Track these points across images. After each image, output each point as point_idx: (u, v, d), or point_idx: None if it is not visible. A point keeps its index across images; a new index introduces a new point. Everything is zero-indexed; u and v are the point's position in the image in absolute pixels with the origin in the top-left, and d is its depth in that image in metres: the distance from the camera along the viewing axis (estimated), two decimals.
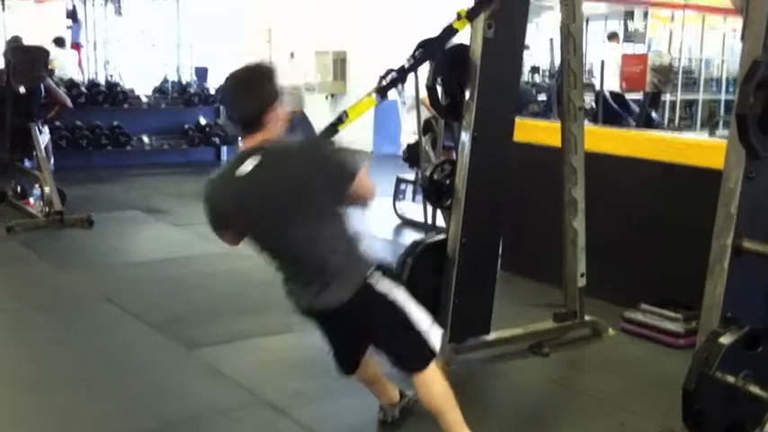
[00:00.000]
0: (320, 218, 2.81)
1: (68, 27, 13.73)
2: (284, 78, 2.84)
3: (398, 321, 2.93)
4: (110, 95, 10.90)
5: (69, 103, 8.46)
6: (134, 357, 4.30)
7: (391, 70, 3.53)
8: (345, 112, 3.06)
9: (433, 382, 2.96)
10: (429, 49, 3.70)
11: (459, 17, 3.58)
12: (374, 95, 3.35)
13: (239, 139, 2.88)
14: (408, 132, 7.82)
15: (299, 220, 2.78)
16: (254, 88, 2.80)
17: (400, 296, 2.94)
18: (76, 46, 13.49)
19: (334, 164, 2.83)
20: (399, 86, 3.65)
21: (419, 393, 3.02)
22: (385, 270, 2.97)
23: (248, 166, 2.73)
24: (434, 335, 2.97)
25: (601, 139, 5.23)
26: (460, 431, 2.97)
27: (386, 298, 2.90)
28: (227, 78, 2.88)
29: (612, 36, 12.35)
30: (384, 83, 3.53)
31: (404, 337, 2.97)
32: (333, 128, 2.98)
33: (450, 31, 3.65)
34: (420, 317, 2.96)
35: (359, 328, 3.01)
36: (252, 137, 2.79)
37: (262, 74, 2.85)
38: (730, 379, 2.73)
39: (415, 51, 3.72)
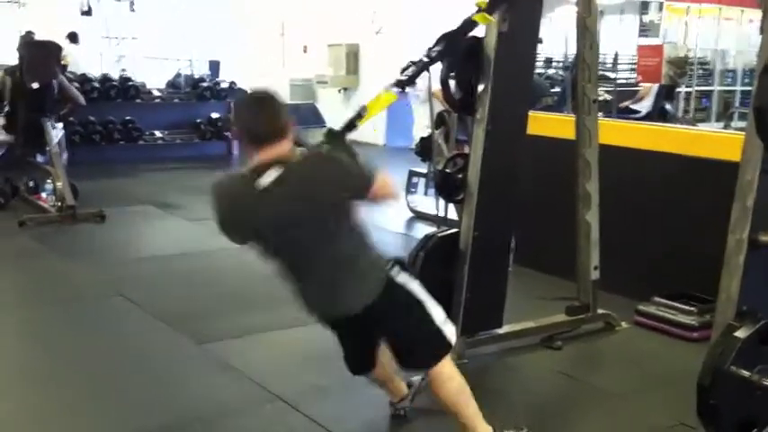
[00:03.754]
0: (339, 228, 2.80)
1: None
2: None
3: (415, 313, 2.92)
4: (122, 90, 10.92)
5: (82, 100, 8.45)
6: (145, 352, 4.30)
7: (411, 63, 3.49)
8: (365, 107, 3.02)
9: (448, 379, 2.93)
10: (449, 43, 3.66)
11: (479, 9, 3.54)
12: (393, 90, 3.30)
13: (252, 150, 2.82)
14: (421, 126, 7.81)
15: (320, 233, 2.77)
16: (274, 106, 2.81)
17: (416, 288, 2.94)
18: None
19: (353, 176, 2.82)
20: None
21: (433, 390, 2.98)
22: (401, 264, 2.97)
23: (267, 178, 2.70)
24: (449, 330, 2.96)
25: (615, 132, 5.19)
26: (479, 425, 2.95)
27: (404, 288, 2.91)
28: (247, 97, 2.96)
29: None
30: (403, 76, 3.49)
31: (420, 329, 2.95)
32: (352, 123, 2.94)
33: (470, 23, 3.61)
34: (436, 311, 2.95)
35: (376, 325, 2.96)
36: (267, 151, 2.75)
37: (277, 97, 2.86)
38: (745, 373, 2.70)
39: (434, 44, 3.68)
